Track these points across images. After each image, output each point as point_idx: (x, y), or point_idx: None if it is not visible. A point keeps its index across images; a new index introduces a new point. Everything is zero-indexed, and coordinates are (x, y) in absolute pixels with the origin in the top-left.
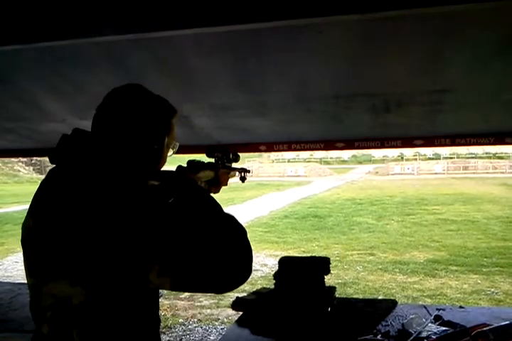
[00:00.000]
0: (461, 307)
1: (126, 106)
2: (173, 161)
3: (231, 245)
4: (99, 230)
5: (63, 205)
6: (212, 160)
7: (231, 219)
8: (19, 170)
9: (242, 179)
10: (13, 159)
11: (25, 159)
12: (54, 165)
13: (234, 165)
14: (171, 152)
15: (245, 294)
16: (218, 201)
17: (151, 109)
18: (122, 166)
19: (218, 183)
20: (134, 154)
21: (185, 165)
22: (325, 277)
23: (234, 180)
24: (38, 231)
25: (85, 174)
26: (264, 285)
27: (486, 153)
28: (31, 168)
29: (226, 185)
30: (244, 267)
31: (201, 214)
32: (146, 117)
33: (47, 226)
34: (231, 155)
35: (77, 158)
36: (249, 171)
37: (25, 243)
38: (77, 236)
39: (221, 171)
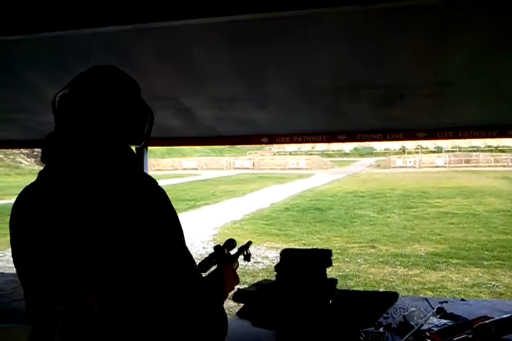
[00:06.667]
0: (462, 300)
1: (100, 88)
2: (176, 153)
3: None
4: (107, 239)
5: (70, 211)
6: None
7: (221, 317)
8: (21, 162)
9: (247, 258)
10: (14, 150)
11: (27, 151)
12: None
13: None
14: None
15: (246, 286)
16: (220, 193)
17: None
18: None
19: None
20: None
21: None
22: (326, 269)
23: (235, 172)
24: (45, 238)
25: (89, 177)
26: (266, 277)
27: (488, 147)
28: (33, 159)
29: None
30: None
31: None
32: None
33: (55, 233)
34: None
35: (72, 157)
36: (250, 243)
37: (23, 247)
38: (87, 246)
39: (226, 270)
